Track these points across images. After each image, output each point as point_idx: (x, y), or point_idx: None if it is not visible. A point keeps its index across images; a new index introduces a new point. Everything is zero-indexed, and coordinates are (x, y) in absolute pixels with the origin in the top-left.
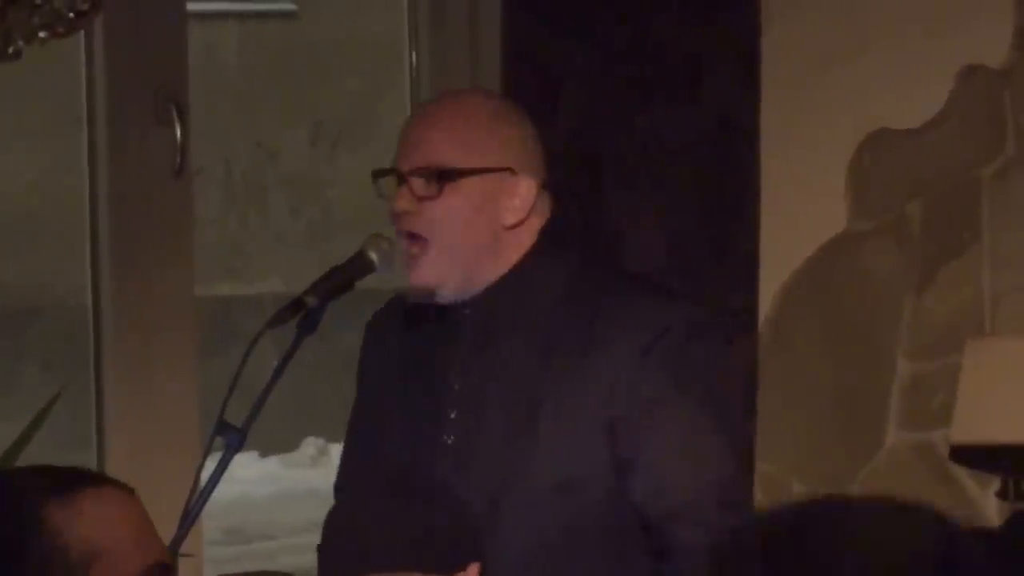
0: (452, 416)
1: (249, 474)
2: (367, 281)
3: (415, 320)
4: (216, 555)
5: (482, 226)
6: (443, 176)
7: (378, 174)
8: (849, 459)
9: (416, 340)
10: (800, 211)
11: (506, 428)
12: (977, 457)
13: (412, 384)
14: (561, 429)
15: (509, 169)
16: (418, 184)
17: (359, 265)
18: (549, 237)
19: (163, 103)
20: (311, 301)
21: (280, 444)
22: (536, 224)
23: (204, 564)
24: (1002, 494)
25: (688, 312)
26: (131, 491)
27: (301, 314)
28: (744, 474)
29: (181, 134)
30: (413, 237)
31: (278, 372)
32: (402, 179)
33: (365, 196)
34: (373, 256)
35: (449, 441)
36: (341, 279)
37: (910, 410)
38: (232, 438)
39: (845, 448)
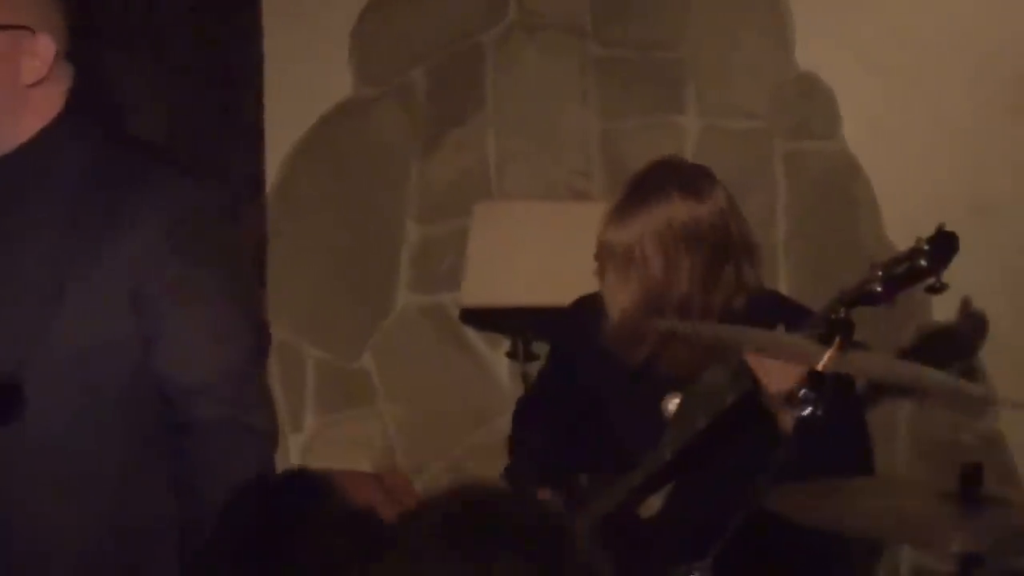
0: None
1: None
2: None
3: None
4: None
5: (0, 84)
6: None
7: None
8: (361, 323)
9: None
10: (305, 79)
11: (28, 295)
12: (487, 319)
13: None
14: (86, 298)
15: (26, 27)
16: None
17: None
18: (73, 107)
19: None
20: None
21: None
22: (58, 90)
23: None
24: (512, 354)
25: (214, 194)
26: None
27: None
28: (260, 352)
29: None
30: None
31: None
32: None
33: None
34: None
35: None
36: None
37: (420, 273)
38: None
39: (357, 312)
